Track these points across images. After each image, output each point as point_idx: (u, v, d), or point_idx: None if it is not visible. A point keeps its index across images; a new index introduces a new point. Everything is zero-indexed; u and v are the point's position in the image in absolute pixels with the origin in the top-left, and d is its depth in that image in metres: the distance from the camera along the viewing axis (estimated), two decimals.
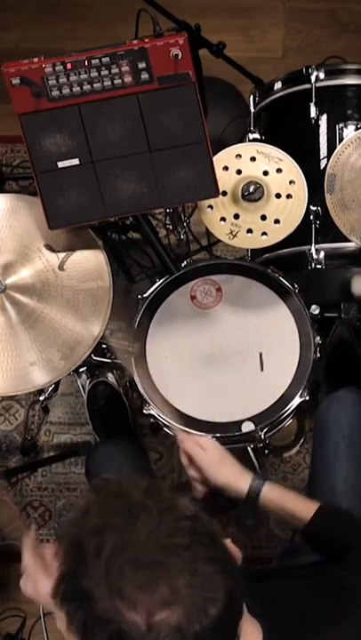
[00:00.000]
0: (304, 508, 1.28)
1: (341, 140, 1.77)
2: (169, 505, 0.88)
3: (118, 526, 0.85)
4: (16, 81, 1.38)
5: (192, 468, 1.38)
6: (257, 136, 1.87)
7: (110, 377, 2.06)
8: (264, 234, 1.61)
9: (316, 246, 1.75)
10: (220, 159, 1.60)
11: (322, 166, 1.78)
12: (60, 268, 1.56)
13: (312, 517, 1.27)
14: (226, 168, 1.62)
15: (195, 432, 1.52)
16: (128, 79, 1.39)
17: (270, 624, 1.02)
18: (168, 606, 0.82)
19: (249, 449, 1.88)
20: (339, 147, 1.65)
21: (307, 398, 1.60)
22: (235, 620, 0.89)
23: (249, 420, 1.58)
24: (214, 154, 1.51)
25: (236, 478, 1.33)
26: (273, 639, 1.00)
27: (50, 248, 1.57)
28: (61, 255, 1.58)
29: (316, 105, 1.80)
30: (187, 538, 0.85)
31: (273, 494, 1.30)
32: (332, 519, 1.29)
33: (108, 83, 1.39)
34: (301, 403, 1.60)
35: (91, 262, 1.58)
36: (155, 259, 1.88)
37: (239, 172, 1.62)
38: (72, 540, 0.87)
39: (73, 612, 0.85)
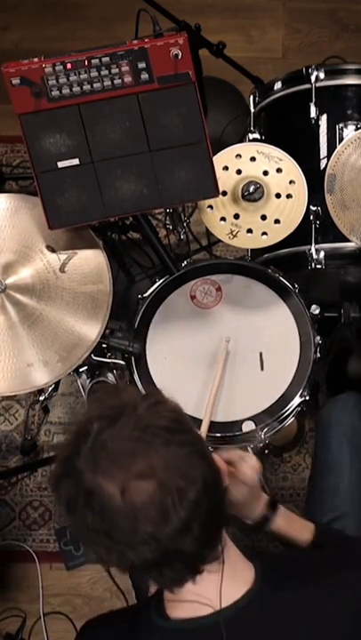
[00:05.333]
0: (304, 532, 1.29)
1: (341, 139, 1.77)
2: (158, 400, 0.96)
3: (109, 415, 0.94)
4: (16, 81, 1.38)
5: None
6: (257, 136, 1.87)
7: (110, 377, 2.05)
8: (264, 234, 1.61)
9: (316, 246, 1.75)
10: (220, 159, 1.60)
11: (322, 166, 1.78)
12: (62, 270, 1.56)
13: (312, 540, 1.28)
14: (226, 168, 1.62)
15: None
16: (128, 79, 1.39)
17: (265, 567, 1.07)
18: (142, 478, 0.89)
19: (249, 449, 1.88)
20: (339, 147, 1.65)
21: (307, 398, 1.60)
22: (213, 514, 0.94)
23: (249, 419, 1.58)
24: (214, 154, 1.50)
25: (256, 502, 1.28)
26: (265, 578, 1.05)
27: (51, 249, 1.57)
28: (63, 257, 1.57)
29: (316, 105, 1.80)
30: (167, 422, 0.93)
31: (280, 525, 1.29)
32: (326, 539, 1.29)
33: (108, 83, 1.39)
34: (301, 402, 1.60)
35: (92, 265, 1.58)
36: (155, 259, 1.87)
37: (239, 171, 1.62)
38: (70, 431, 0.97)
39: (64, 491, 0.93)
